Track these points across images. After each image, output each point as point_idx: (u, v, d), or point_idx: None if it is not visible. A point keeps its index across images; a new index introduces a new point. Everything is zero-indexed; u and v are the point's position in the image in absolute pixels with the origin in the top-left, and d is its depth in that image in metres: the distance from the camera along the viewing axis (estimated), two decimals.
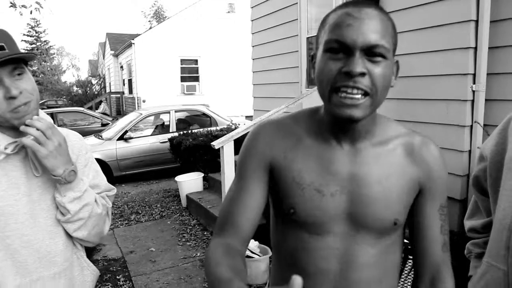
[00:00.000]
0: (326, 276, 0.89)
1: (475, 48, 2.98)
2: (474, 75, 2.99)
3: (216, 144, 3.30)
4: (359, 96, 0.78)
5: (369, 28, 0.77)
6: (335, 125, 0.87)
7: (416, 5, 3.35)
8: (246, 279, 0.78)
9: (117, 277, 3.48)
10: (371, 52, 0.77)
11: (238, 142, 4.81)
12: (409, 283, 1.91)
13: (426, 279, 0.95)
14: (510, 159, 1.09)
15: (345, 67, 0.77)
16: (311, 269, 0.90)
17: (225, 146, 3.34)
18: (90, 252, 3.61)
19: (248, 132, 4.21)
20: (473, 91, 3.00)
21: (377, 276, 0.91)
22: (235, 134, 3.41)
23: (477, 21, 2.95)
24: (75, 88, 26.46)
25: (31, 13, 4.44)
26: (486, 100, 2.98)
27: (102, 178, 1.37)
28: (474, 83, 2.99)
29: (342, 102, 0.78)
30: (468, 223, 1.31)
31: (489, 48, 2.94)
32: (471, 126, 3.04)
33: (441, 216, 0.94)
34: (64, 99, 24.42)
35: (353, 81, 0.76)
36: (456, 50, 3.07)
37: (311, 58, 0.89)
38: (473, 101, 3.01)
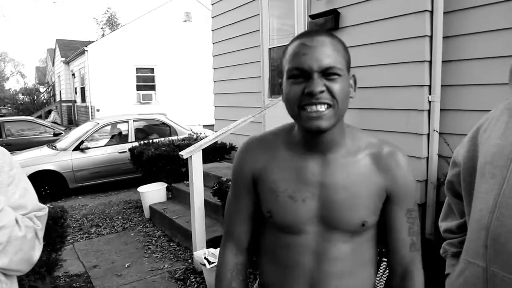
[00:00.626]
0: (302, 269, 1.02)
1: (430, 62, 3.19)
2: (430, 86, 3.20)
3: (184, 153, 3.29)
4: (323, 108, 0.91)
5: (322, 54, 0.90)
6: (307, 138, 0.99)
7: (375, 20, 3.54)
8: None
9: None
10: (326, 73, 0.91)
11: (206, 152, 4.81)
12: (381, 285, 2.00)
13: (397, 275, 1.08)
14: (482, 165, 1.19)
15: (307, 89, 0.90)
16: (288, 263, 1.04)
17: (194, 156, 3.33)
18: (51, 268, 3.45)
19: (215, 142, 4.19)
20: (429, 101, 3.20)
21: (349, 269, 1.02)
22: (204, 143, 3.41)
23: (431, 37, 3.17)
24: (21, 96, 25.12)
25: None
26: (441, 109, 3.20)
27: (31, 198, 1.25)
28: (430, 94, 3.20)
29: (309, 116, 0.91)
30: (443, 225, 1.41)
31: (442, 61, 3.16)
32: (428, 134, 3.24)
33: (409, 219, 1.05)
34: (9, 108, 23.11)
35: (315, 98, 0.89)
36: (413, 63, 3.27)
37: (279, 85, 1.03)
38: (429, 110, 3.22)
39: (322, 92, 0.89)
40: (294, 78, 0.93)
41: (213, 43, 6.34)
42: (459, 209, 1.36)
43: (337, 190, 0.98)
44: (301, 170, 1.01)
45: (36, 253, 1.17)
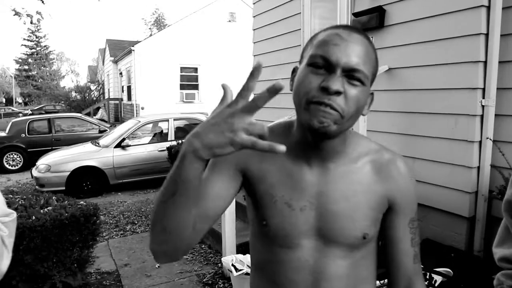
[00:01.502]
0: (297, 287, 0.92)
1: (485, 62, 2.90)
2: (484, 89, 2.91)
3: None
4: (332, 112, 0.80)
5: (353, 52, 0.81)
6: (307, 141, 0.89)
7: (424, 17, 3.28)
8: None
9: None
10: (351, 75, 0.81)
11: None
12: None
13: None
14: None
15: (324, 82, 0.79)
16: (282, 280, 0.93)
17: None
18: (83, 264, 3.47)
19: None
20: (483, 106, 2.91)
21: (349, 287, 0.94)
22: None
23: (487, 35, 2.87)
24: (73, 94, 26.37)
25: (31, 22, 4.36)
26: (496, 115, 2.90)
27: None
28: (483, 97, 2.90)
29: (315, 113, 0.80)
30: (498, 252, 1.20)
31: (499, 62, 2.86)
32: (480, 141, 2.95)
33: (411, 229, 0.97)
34: (63, 105, 24.31)
35: (328, 98, 0.79)
36: (465, 64, 2.98)
37: (292, 71, 0.91)
38: (482, 116, 2.93)
39: (338, 93, 0.79)
40: (315, 67, 0.82)
41: (254, 43, 6.24)
42: None
43: (337, 200, 0.90)
44: (299, 176, 0.91)
45: (4, 263, 1.06)
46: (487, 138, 2.86)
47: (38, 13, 4.37)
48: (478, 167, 2.98)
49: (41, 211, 3.23)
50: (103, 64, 25.53)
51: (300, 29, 5.02)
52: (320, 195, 0.91)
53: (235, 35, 15.82)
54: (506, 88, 2.86)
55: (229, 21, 16.40)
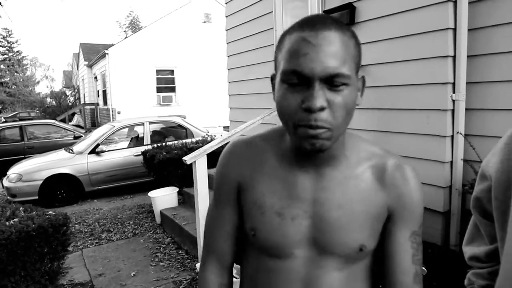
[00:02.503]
0: None
1: (454, 57, 2.91)
2: (454, 84, 2.92)
3: (187, 159, 3.12)
4: (322, 130, 0.74)
5: (327, 56, 0.71)
6: (299, 150, 0.84)
7: (393, 13, 3.27)
8: None
9: None
10: (331, 81, 0.73)
11: (212, 155, 4.64)
12: None
13: None
14: None
15: (305, 103, 0.73)
16: None
17: (198, 161, 3.15)
18: (54, 277, 3.35)
19: (222, 146, 4.03)
20: (453, 101, 2.92)
21: None
22: (208, 148, 3.23)
23: (455, 29, 2.88)
24: (48, 100, 25.78)
25: None
26: (466, 109, 2.91)
27: None
28: (454, 92, 2.91)
29: (306, 134, 0.75)
30: (468, 250, 1.15)
31: (468, 56, 2.87)
32: (452, 136, 2.96)
33: (413, 244, 0.88)
34: (37, 111, 23.74)
35: (314, 118, 0.73)
36: (435, 59, 2.99)
37: (271, 79, 0.86)
38: (453, 110, 2.93)
39: (322, 109, 0.72)
40: (290, 85, 0.75)
41: (227, 43, 6.18)
42: (489, 232, 1.10)
43: (332, 208, 0.84)
44: (292, 184, 0.86)
45: None
46: (458, 132, 2.87)
47: None
48: (451, 162, 2.99)
49: (7, 223, 3.09)
50: (77, 69, 25.03)
51: (272, 28, 4.97)
52: (315, 202, 0.85)
53: (210, 36, 15.70)
54: (475, 82, 2.87)
55: (204, 22, 16.26)
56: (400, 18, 3.23)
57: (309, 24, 0.74)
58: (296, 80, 0.73)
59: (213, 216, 0.99)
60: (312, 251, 0.85)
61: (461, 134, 2.87)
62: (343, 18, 3.73)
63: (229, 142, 0.96)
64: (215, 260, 0.98)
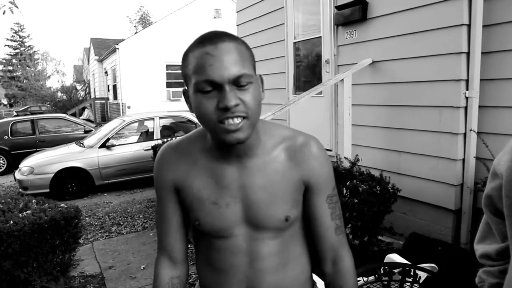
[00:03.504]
0: (237, 269, 1.03)
1: (468, 53, 2.88)
2: (467, 81, 2.89)
3: None
4: (239, 121, 0.87)
5: (229, 62, 0.85)
6: (222, 146, 0.97)
7: (406, 9, 3.25)
8: None
9: None
10: (237, 82, 0.86)
11: None
12: None
13: (328, 261, 1.08)
14: None
15: (221, 103, 0.85)
16: (222, 265, 1.04)
17: None
18: (65, 268, 3.39)
19: None
20: (466, 98, 2.89)
21: (281, 263, 1.04)
22: None
23: (469, 25, 2.85)
24: (59, 94, 26.00)
25: (3, 13, 4.18)
26: (479, 106, 2.88)
27: None
28: (467, 89, 2.89)
29: (226, 128, 0.87)
30: (479, 248, 1.15)
31: (482, 53, 2.84)
32: (465, 133, 2.93)
33: (330, 204, 1.05)
34: (48, 105, 23.96)
35: (231, 112, 0.86)
36: (448, 55, 2.96)
37: (183, 92, 0.98)
38: (466, 107, 2.91)
39: (237, 105, 0.86)
40: (204, 92, 0.87)
41: None
42: (500, 230, 1.09)
43: (256, 191, 0.99)
44: (221, 176, 1.01)
45: None
46: (471, 130, 2.84)
47: (11, 2, 4.15)
48: (463, 160, 2.96)
49: (20, 215, 3.13)
50: (88, 64, 25.20)
51: (283, 23, 4.96)
52: (242, 188, 1.00)
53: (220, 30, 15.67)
54: (489, 79, 2.84)
55: (215, 17, 16.25)
56: (413, 14, 3.20)
57: (208, 40, 0.88)
58: (209, 88, 0.86)
59: (158, 215, 1.12)
60: (248, 228, 1.02)
61: (474, 131, 2.84)
62: (356, 14, 3.71)
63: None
64: (166, 256, 1.11)
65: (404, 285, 1.65)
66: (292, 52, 4.93)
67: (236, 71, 0.86)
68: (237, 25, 6.11)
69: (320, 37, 4.40)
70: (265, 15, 5.33)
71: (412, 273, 1.62)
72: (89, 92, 23.59)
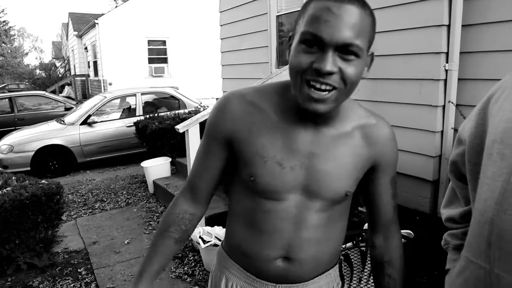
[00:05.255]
0: (281, 234, 1.00)
1: (448, 26, 2.89)
2: (447, 53, 2.91)
3: (180, 127, 3.11)
4: (327, 91, 0.83)
5: (345, 26, 0.79)
6: (302, 111, 0.93)
7: None
8: (166, 260, 1.09)
9: (79, 270, 3.28)
10: (344, 50, 0.81)
11: (203, 124, 4.63)
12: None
13: (381, 235, 1.14)
14: (490, 143, 0.97)
15: (316, 63, 0.80)
16: (267, 228, 1.01)
17: (190, 130, 3.15)
18: (48, 244, 3.38)
19: None
20: (446, 70, 2.92)
21: (326, 236, 1.04)
22: (200, 117, 3.22)
23: None
24: (38, 71, 25.33)
25: None
26: (459, 79, 2.91)
27: None
28: (447, 62, 2.91)
29: (310, 95, 0.83)
30: (445, 212, 1.20)
31: (462, 25, 2.85)
32: (444, 106, 2.97)
33: (392, 185, 1.10)
34: (27, 83, 23.35)
35: (322, 77, 0.81)
36: (428, 28, 2.96)
37: (289, 39, 0.91)
38: (445, 80, 2.94)
39: (331, 74, 0.81)
40: (307, 45, 0.82)
41: (220, 12, 6.07)
42: (464, 195, 1.14)
43: (326, 161, 0.97)
44: (292, 138, 0.97)
45: None
46: (449, 101, 2.88)
47: None
48: (442, 131, 3.02)
49: (0, 192, 3.10)
50: (67, 39, 24.50)
51: None
52: (312, 155, 0.97)
53: (203, 6, 15.38)
54: (469, 52, 2.86)
55: None
56: None
57: None
58: (313, 43, 0.81)
59: (200, 160, 1.08)
60: (303, 195, 0.99)
61: (452, 103, 2.88)
62: None
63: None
64: (189, 192, 1.10)
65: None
66: (275, 26, 4.88)
67: (348, 38, 0.80)
68: None
69: None
70: None
71: None
72: (69, 69, 23.04)
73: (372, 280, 1.75)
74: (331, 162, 0.97)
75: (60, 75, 22.38)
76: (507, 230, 0.88)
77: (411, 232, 1.81)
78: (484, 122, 1.03)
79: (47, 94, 11.18)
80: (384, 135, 1.03)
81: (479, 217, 0.96)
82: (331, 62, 0.80)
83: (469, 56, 2.86)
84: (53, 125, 7.21)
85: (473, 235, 1.00)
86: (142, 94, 7.71)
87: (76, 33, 19.34)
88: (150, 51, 15.85)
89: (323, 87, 0.82)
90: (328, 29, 0.79)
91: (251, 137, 0.97)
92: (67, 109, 9.92)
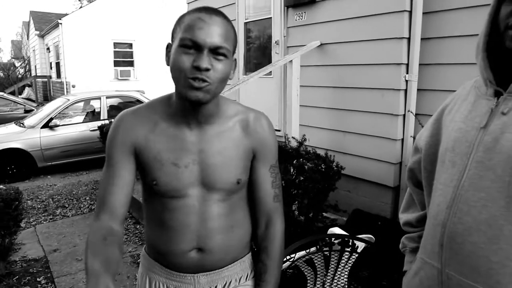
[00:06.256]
0: (188, 228, 1.10)
1: (409, 39, 3.03)
2: (407, 65, 3.05)
3: None
4: (205, 84, 0.98)
5: (215, 32, 0.98)
6: (186, 109, 1.06)
7: None
8: (117, 269, 0.96)
9: (38, 279, 3.17)
10: (216, 52, 0.98)
11: None
12: (345, 274, 1.88)
13: (262, 223, 1.20)
14: (444, 152, 1.05)
15: (195, 62, 0.97)
16: (175, 224, 1.10)
17: None
18: (5, 253, 3.25)
19: None
20: (406, 81, 3.05)
21: (229, 225, 1.14)
22: None
23: (411, 12, 2.99)
24: None
25: None
26: (418, 90, 3.05)
27: None
28: (407, 72, 3.04)
29: (193, 85, 0.98)
30: (403, 217, 1.27)
31: (421, 39, 2.99)
32: (404, 115, 3.10)
33: (272, 174, 1.19)
34: None
35: (200, 73, 0.97)
36: (391, 40, 3.09)
37: (166, 47, 1.07)
38: (406, 90, 3.07)
39: (208, 70, 0.97)
40: (186, 48, 0.98)
41: None
42: (420, 200, 1.22)
43: (213, 155, 1.10)
44: (182, 140, 1.09)
45: None
46: (409, 111, 3.01)
47: None
48: (402, 139, 3.15)
49: None
50: (28, 39, 23.62)
51: (234, 3, 4.93)
52: (201, 152, 1.10)
53: (171, 9, 15.25)
54: (427, 64, 3.01)
55: None
56: None
57: (205, 9, 1.00)
58: (191, 46, 0.97)
59: (105, 176, 1.12)
60: (202, 189, 1.10)
61: (412, 112, 3.01)
62: None
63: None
64: (107, 214, 1.07)
65: (344, 255, 1.76)
66: (242, 33, 4.92)
67: (218, 42, 0.97)
68: (188, 3, 5.98)
69: (271, 18, 4.43)
70: None
71: (350, 244, 1.72)
72: (30, 70, 22.21)
73: (335, 285, 1.81)
74: (218, 156, 1.10)
75: (19, 76, 21.53)
76: (457, 232, 0.94)
77: (372, 237, 1.88)
78: (438, 132, 1.11)
79: (5, 95, 10.74)
80: (261, 125, 1.16)
81: (433, 221, 1.03)
82: (207, 61, 0.97)
83: (428, 68, 3.01)
84: (11, 127, 6.92)
85: (427, 238, 1.06)
86: (107, 97, 7.55)
87: (38, 32, 18.69)
88: (116, 54, 15.53)
89: (201, 82, 0.97)
90: (202, 35, 0.96)
91: (148, 144, 1.09)
92: (27, 111, 9.56)
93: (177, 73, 1.00)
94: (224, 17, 1.02)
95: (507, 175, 0.88)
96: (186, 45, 0.98)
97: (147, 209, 1.18)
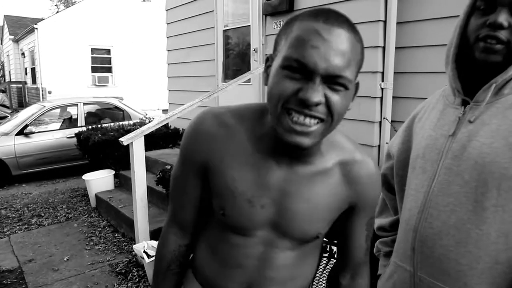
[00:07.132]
0: (244, 270, 0.93)
1: (384, 48, 3.10)
2: (383, 73, 3.12)
3: (124, 140, 3.06)
4: (312, 124, 0.73)
5: (336, 55, 0.69)
6: (278, 140, 0.80)
7: (330, 3, 3.41)
8: None
9: None
10: (332, 81, 0.71)
11: (150, 137, 4.55)
12: (324, 279, 1.90)
13: (348, 275, 1.05)
14: (414, 158, 1.09)
15: (301, 93, 0.70)
16: (230, 262, 0.94)
17: (135, 143, 3.11)
18: None
19: (168, 127, 4.01)
20: (382, 89, 3.12)
21: (291, 276, 0.96)
22: (146, 129, 3.18)
23: (385, 22, 3.07)
24: None
25: None
26: (393, 97, 3.13)
27: None
28: (382, 80, 3.12)
29: (292, 127, 0.73)
30: (376, 221, 1.31)
31: (396, 47, 3.07)
32: (380, 122, 3.17)
33: (368, 227, 0.99)
34: None
35: (308, 109, 0.71)
36: (366, 49, 3.14)
37: (266, 60, 0.82)
38: (382, 98, 3.14)
39: (318, 104, 0.71)
40: (290, 71, 0.71)
41: (167, 24, 6.05)
42: (393, 205, 1.26)
43: (298, 201, 0.88)
44: (264, 175, 0.87)
45: None
46: (384, 118, 3.08)
47: None
48: (379, 146, 3.21)
49: None
50: (1, 44, 23.05)
51: (213, 10, 4.95)
52: (284, 193, 0.88)
53: (150, 16, 15.19)
54: (401, 72, 3.09)
55: (144, 0, 15.68)
56: (337, 8, 3.36)
57: (323, 16, 0.72)
58: (297, 70, 0.71)
59: (176, 186, 1.00)
60: (272, 233, 0.91)
61: (387, 120, 3.09)
62: (283, 5, 3.82)
63: (199, 113, 0.94)
64: (177, 226, 1.03)
65: (321, 260, 1.78)
66: (221, 40, 4.95)
67: (338, 70, 0.70)
68: (166, 10, 5.98)
69: (249, 26, 4.47)
70: (195, 1, 5.28)
71: (328, 249, 1.75)
72: (3, 75, 21.68)
73: None
74: (304, 203, 0.88)
75: None
76: (428, 236, 0.98)
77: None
78: (409, 139, 1.15)
79: None
80: (367, 174, 0.92)
81: (405, 225, 1.07)
82: (319, 92, 0.70)
83: (402, 76, 3.09)
84: None
85: (400, 242, 1.10)
86: (85, 104, 7.43)
87: (12, 37, 18.27)
88: (94, 60, 15.33)
89: (307, 120, 0.72)
90: (316, 57, 0.69)
91: (222, 167, 0.89)
92: (1, 118, 9.34)
93: (274, 102, 0.74)
94: (350, 28, 0.73)
95: (474, 181, 0.92)
96: (291, 68, 0.71)
97: (203, 228, 1.03)
